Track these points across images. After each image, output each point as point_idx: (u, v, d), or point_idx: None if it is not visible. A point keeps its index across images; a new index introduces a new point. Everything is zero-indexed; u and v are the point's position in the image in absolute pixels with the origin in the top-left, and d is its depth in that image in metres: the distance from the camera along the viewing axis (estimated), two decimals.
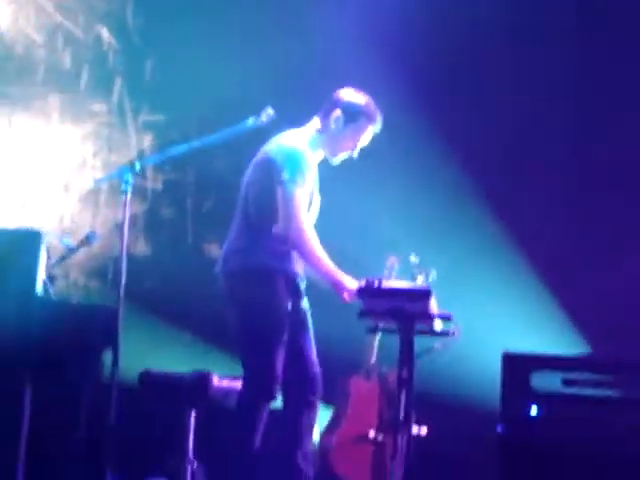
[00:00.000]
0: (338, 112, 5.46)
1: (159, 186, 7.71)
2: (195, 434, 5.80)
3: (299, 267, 5.36)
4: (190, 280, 7.29)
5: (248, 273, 5.28)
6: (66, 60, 7.58)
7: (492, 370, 5.08)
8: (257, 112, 5.32)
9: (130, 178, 5.27)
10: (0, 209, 7.18)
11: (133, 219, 6.93)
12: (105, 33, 7.69)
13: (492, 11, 7.48)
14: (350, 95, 5.52)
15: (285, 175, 5.23)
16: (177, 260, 7.59)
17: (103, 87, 7.68)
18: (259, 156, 5.45)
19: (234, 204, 5.51)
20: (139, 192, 7.44)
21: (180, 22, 7.64)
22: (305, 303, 5.42)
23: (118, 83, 7.72)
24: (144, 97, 7.78)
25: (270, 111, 5.31)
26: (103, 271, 7.21)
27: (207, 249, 7.77)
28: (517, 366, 4.74)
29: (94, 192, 7.52)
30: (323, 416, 6.26)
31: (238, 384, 5.50)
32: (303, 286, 5.41)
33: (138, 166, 5.28)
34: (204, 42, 7.57)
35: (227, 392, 5.75)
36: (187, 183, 7.85)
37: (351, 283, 5.25)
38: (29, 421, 5.53)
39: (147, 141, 7.75)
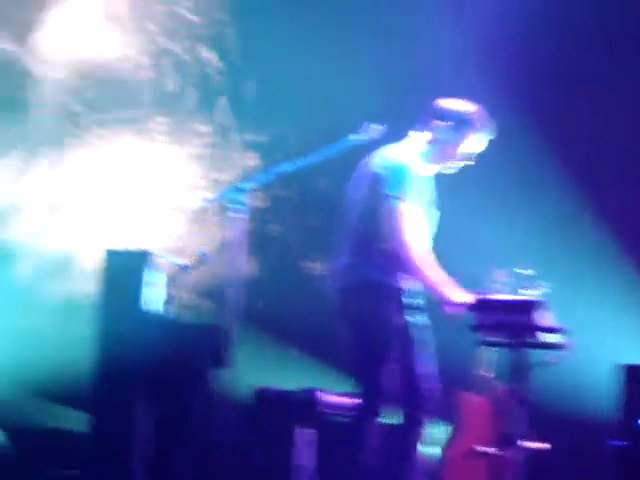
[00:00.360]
0: (442, 121, 5.43)
1: (264, 204, 7.78)
2: (308, 450, 5.81)
3: (408, 282, 5.34)
4: (296, 297, 7.33)
5: (357, 288, 5.28)
6: (171, 82, 7.72)
7: (606, 382, 5.00)
8: (360, 128, 5.31)
9: (239, 197, 5.32)
10: (111, 230, 7.32)
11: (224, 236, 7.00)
12: (208, 54, 7.80)
13: (586, 17, 7.40)
14: (453, 104, 5.48)
15: (389, 189, 5.22)
16: (283, 278, 7.64)
17: (207, 107, 7.79)
18: (363, 170, 5.44)
19: (338, 220, 5.52)
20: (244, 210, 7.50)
21: (281, 41, 7.70)
22: (420, 318, 5.36)
23: (222, 103, 7.82)
24: (247, 116, 7.86)
25: (375, 127, 5.30)
26: (213, 290, 7.28)
27: (311, 266, 7.80)
28: (635, 377, 4.66)
29: (201, 212, 7.61)
30: (442, 431, 6.22)
31: (347, 400, 5.51)
32: (415, 301, 5.37)
33: (246, 185, 5.32)
34: (305, 61, 7.63)
35: (337, 408, 5.76)
36: (291, 201, 7.90)
37: (456, 296, 5.22)
38: (143, 437, 5.63)
39: (251, 160, 7.82)
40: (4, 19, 7.33)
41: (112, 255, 5.73)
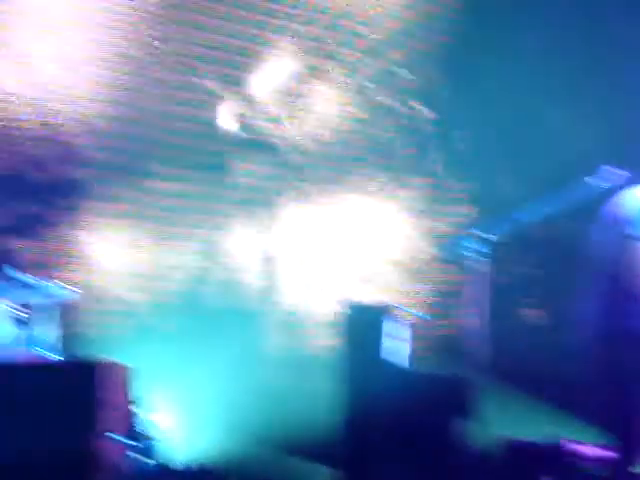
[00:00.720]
0: None
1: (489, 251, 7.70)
2: None
3: None
4: (522, 345, 7.22)
5: (610, 335, 5.16)
6: (385, 136, 7.79)
7: None
8: (570, 176, 5.19)
9: (473, 247, 5.30)
10: (339, 284, 7.40)
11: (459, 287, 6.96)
12: (420, 106, 7.84)
13: None
14: None
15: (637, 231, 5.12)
16: (506, 325, 7.54)
17: (421, 159, 7.82)
18: (610, 212, 5.31)
19: (580, 265, 5.40)
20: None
21: (490, 90, 7.67)
22: None
23: (434, 154, 7.84)
24: (460, 166, 7.85)
25: (615, 172, 5.18)
26: (451, 341, 7.24)
27: (530, 313, 7.70)
28: None
29: (420, 263, 7.61)
30: None
31: (597, 450, 5.37)
32: None
33: (478, 235, 5.29)
34: (516, 108, 7.57)
35: (587, 459, 5.62)
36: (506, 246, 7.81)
37: None
38: None
39: (466, 209, 7.79)
40: (225, 81, 7.57)
41: (353, 309, 5.79)
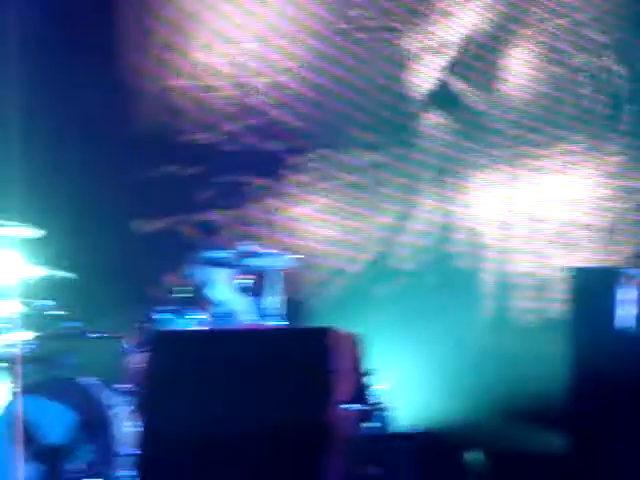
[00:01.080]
0: None
1: None
2: None
3: None
4: None
5: None
6: (582, 96, 7.64)
7: None
8: None
9: None
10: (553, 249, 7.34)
11: None
12: (616, 66, 7.66)
13: None
14: None
15: None
16: None
17: (619, 119, 7.64)
18: None
19: None
20: None
21: None
22: None
23: (630, 114, 7.66)
24: None
25: None
26: None
27: None
28: None
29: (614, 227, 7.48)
30: None
31: None
32: None
33: None
34: None
35: None
36: None
37: None
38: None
39: None
40: None
41: (583, 273, 5.74)
